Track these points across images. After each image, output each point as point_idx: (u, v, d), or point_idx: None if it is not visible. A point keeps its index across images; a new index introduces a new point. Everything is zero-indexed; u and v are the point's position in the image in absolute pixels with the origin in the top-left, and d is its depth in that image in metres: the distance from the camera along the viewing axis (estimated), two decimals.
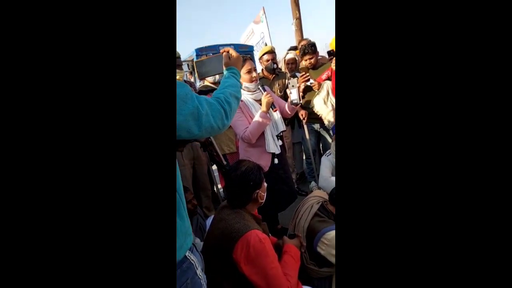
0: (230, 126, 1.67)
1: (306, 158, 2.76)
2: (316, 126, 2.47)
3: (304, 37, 5.01)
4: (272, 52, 2.50)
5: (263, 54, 2.49)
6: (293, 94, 1.72)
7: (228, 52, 0.99)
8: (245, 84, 1.66)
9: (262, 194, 1.19)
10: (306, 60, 2.36)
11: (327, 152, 2.15)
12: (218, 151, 2.14)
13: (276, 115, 1.72)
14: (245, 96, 1.68)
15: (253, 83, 1.65)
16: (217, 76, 2.25)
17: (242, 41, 5.69)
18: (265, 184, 1.25)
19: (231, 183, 1.17)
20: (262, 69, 2.55)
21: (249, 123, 1.63)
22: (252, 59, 2.60)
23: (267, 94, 1.60)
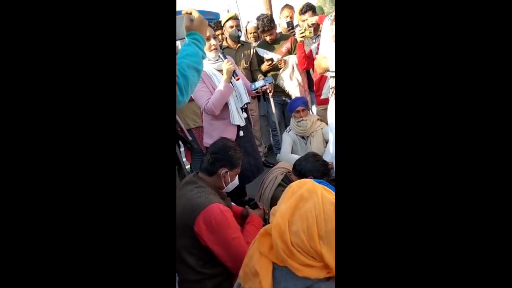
0: (192, 99, 1.59)
1: (271, 130, 2.78)
2: (281, 98, 2.47)
3: (273, 4, 4.88)
4: (236, 18, 2.41)
5: (227, 21, 2.36)
6: (258, 83, 1.78)
7: (190, 14, 0.85)
8: None
9: (228, 178, 1.18)
10: (266, 37, 2.36)
11: (288, 128, 2.17)
12: (182, 126, 2.04)
13: (240, 87, 1.66)
14: (207, 66, 1.59)
15: (213, 51, 1.56)
16: (179, 43, 2.09)
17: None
18: (237, 178, 1.24)
19: (212, 147, 1.24)
20: (226, 38, 2.43)
21: (212, 95, 1.56)
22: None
23: (227, 62, 1.53)
